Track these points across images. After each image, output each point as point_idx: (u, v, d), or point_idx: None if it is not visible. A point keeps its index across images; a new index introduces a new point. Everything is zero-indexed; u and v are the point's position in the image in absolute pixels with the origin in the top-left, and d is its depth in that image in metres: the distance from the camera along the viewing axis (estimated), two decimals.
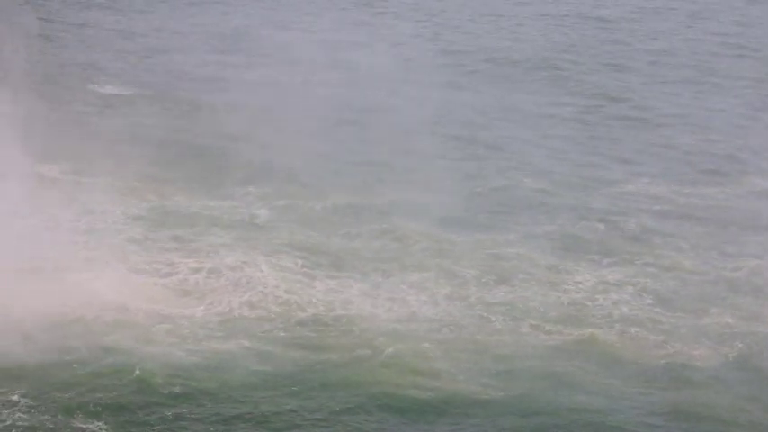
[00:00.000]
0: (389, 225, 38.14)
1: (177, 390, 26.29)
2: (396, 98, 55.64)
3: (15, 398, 25.57)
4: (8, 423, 24.77)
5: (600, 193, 43.86)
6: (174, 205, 38.73)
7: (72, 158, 41.74)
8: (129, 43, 68.15)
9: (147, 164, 41.64)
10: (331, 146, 47.74)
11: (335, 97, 55.79)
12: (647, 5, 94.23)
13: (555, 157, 48.32)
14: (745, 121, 56.54)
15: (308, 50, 65.89)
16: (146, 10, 79.55)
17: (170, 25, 74.68)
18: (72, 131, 44.84)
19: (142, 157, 41.79)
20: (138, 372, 26.74)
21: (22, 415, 25.08)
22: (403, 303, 31.97)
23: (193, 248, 34.92)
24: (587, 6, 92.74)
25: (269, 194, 40.70)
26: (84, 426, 24.88)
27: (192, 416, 25.42)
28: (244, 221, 38.16)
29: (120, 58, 63.78)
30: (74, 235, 34.26)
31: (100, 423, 25.00)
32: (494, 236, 37.74)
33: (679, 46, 76.84)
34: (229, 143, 47.38)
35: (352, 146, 47.93)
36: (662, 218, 41.32)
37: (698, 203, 43.25)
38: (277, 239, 36.37)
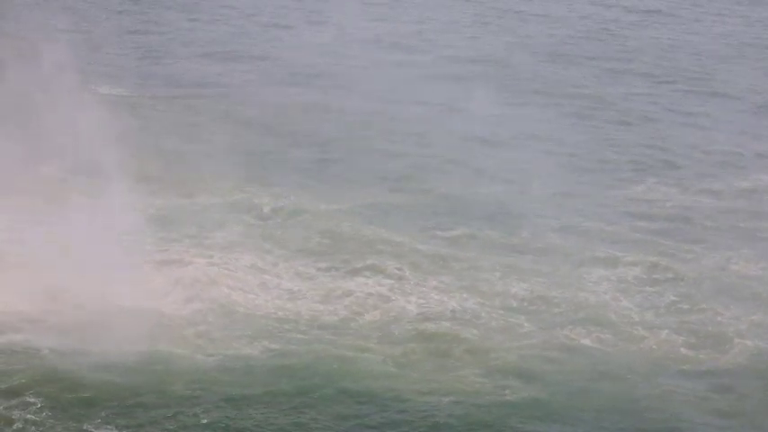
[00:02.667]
0: (403, 226, 37.85)
1: (196, 393, 25.88)
2: (398, 100, 55.42)
3: (30, 399, 25.20)
4: (20, 425, 24.37)
5: (608, 194, 43.65)
6: (185, 205, 38.41)
7: (74, 159, 41.31)
8: (128, 44, 67.79)
9: (151, 164, 41.35)
10: (337, 145, 47.63)
11: (339, 98, 55.66)
12: (649, 6, 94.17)
13: (560, 160, 48.08)
14: (748, 122, 56.46)
15: (309, 50, 65.93)
16: (146, 10, 79.28)
17: (171, 25, 74.39)
18: (72, 132, 44.41)
19: (147, 158, 41.44)
20: (155, 374, 26.40)
21: (33, 417, 24.68)
22: (422, 305, 31.61)
23: (209, 249, 34.48)
24: (588, 8, 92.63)
25: (281, 194, 40.30)
26: (98, 429, 24.44)
27: (209, 420, 24.97)
28: (257, 221, 37.75)
29: (119, 58, 63.43)
30: (84, 235, 33.82)
31: (113, 427, 24.57)
32: (507, 237, 37.54)
33: (682, 47, 76.78)
34: (234, 144, 47.07)
35: (357, 146, 47.62)
36: (672, 218, 41.10)
37: (706, 203, 43.11)
38: (293, 240, 36.02)
